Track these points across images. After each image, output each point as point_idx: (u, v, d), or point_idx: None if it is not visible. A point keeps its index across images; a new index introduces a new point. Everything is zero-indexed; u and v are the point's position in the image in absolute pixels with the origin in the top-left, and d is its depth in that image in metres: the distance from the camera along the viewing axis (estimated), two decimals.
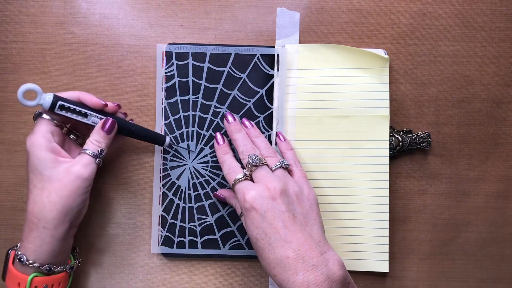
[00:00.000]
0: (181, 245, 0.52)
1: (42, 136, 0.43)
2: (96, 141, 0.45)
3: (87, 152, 0.44)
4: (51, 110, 0.44)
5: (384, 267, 0.52)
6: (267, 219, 0.41)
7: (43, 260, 0.42)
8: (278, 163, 0.46)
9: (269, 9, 0.54)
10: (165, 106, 0.52)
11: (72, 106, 0.44)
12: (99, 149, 0.45)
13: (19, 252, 0.42)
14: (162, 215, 0.52)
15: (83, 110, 0.45)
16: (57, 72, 0.53)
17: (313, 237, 0.41)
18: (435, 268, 0.54)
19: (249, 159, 0.45)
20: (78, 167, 0.43)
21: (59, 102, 0.44)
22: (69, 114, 0.44)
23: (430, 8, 0.54)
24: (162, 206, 0.52)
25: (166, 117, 0.52)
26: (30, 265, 0.42)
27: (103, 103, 0.46)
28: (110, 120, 0.45)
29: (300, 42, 0.53)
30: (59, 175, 0.42)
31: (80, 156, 0.44)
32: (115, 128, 0.46)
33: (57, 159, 0.43)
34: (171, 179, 0.52)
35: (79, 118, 0.45)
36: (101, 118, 0.46)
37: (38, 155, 0.42)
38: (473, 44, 0.54)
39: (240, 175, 0.45)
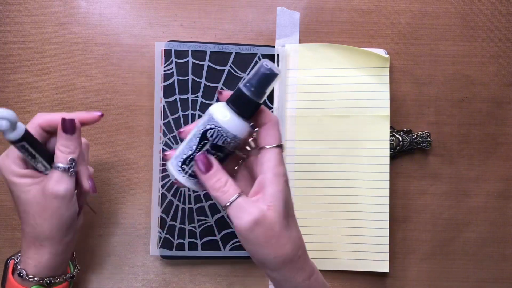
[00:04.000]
0: (180, 247, 0.52)
1: (13, 162, 0.41)
2: (62, 146, 0.41)
3: (56, 166, 0.40)
4: (15, 142, 0.39)
5: (384, 267, 0.52)
6: (292, 198, 0.39)
7: (43, 274, 0.42)
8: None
9: (269, 8, 0.54)
10: (163, 105, 0.52)
11: (27, 146, 0.39)
12: (69, 158, 0.41)
13: (19, 267, 0.42)
14: (161, 216, 0.52)
15: (33, 152, 0.40)
16: (56, 71, 0.53)
17: None
18: (435, 268, 0.54)
19: None
20: (51, 185, 0.40)
21: (22, 143, 0.39)
22: (25, 154, 0.40)
23: (430, 8, 0.54)
24: (161, 207, 0.52)
25: (165, 116, 0.52)
26: (30, 280, 0.42)
27: (91, 116, 0.43)
28: (67, 119, 0.41)
29: (300, 41, 0.53)
30: (35, 198, 0.40)
31: (51, 173, 0.41)
32: (76, 126, 0.41)
33: (30, 181, 0.41)
34: (170, 179, 0.52)
35: (29, 158, 0.40)
36: (45, 165, 0.41)
37: (11, 180, 0.41)
38: (473, 44, 0.54)
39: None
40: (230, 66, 0.52)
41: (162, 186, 0.52)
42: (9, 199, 0.53)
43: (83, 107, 0.52)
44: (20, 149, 0.39)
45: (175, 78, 0.52)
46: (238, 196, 0.36)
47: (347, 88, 0.52)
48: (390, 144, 0.53)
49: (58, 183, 0.40)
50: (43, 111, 0.52)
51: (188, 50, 0.52)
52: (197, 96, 0.52)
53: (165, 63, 0.52)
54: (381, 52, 0.53)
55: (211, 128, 0.36)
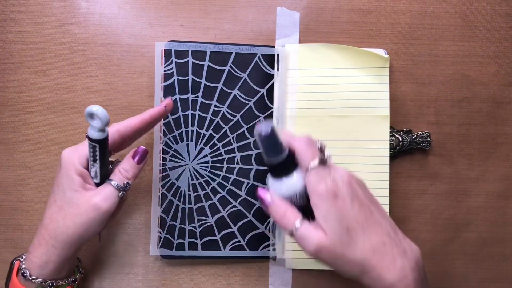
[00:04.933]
0: (180, 247, 0.52)
1: (78, 157, 0.42)
2: (124, 169, 0.43)
3: (112, 183, 0.42)
4: (92, 141, 0.40)
5: None
6: (355, 205, 0.36)
7: (46, 276, 0.42)
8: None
9: (269, 9, 0.54)
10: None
11: (97, 150, 0.41)
12: (125, 182, 0.43)
13: (23, 266, 0.42)
14: (161, 216, 0.52)
15: (97, 157, 0.42)
16: (57, 72, 0.53)
17: (387, 218, 0.38)
18: (435, 268, 0.54)
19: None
20: (98, 198, 0.41)
21: (96, 144, 0.40)
22: (90, 154, 0.42)
23: (430, 8, 0.54)
24: (161, 207, 0.52)
25: (165, 117, 0.52)
26: (33, 281, 0.42)
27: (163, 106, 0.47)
28: (142, 148, 0.44)
29: (300, 41, 0.53)
30: (79, 200, 0.41)
31: (103, 186, 0.42)
32: (146, 158, 0.45)
33: (83, 184, 0.42)
34: (170, 179, 0.52)
35: (90, 159, 0.42)
36: (97, 174, 0.43)
37: (68, 173, 0.42)
38: (473, 44, 0.54)
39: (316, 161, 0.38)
40: (230, 66, 0.52)
41: (162, 186, 0.52)
42: (9, 199, 0.53)
43: (83, 107, 0.52)
44: (90, 148, 0.41)
45: (175, 78, 0.52)
46: (300, 224, 0.36)
47: (347, 88, 0.53)
48: (390, 144, 0.53)
49: (106, 199, 0.42)
50: (43, 111, 0.52)
51: (188, 50, 0.52)
52: (197, 96, 0.52)
53: (165, 63, 0.52)
54: (381, 52, 0.53)
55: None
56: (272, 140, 0.37)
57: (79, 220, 0.41)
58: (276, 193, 0.39)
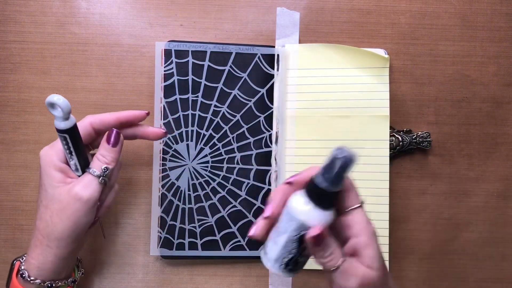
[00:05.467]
0: (180, 247, 0.52)
1: (55, 154, 0.42)
2: (101, 155, 0.43)
3: (90, 171, 0.42)
4: (59, 132, 0.40)
5: None
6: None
7: (45, 277, 0.42)
8: None
9: (269, 9, 0.54)
10: (163, 105, 0.52)
11: (68, 140, 0.41)
12: (104, 166, 0.42)
13: (22, 267, 0.42)
14: (161, 216, 0.52)
15: (71, 148, 0.41)
16: (57, 71, 0.53)
17: None
18: (435, 268, 0.54)
19: None
20: (78, 187, 0.41)
21: (64, 135, 0.40)
22: (64, 147, 0.41)
23: (430, 8, 0.54)
24: (161, 207, 0.52)
25: (165, 116, 0.52)
26: (32, 282, 0.41)
27: (144, 113, 0.46)
28: (114, 131, 0.44)
29: (300, 42, 0.53)
30: (60, 195, 0.41)
31: (83, 176, 0.42)
32: (120, 140, 0.44)
33: (64, 179, 0.42)
34: (170, 179, 0.52)
35: (66, 153, 0.42)
36: (78, 166, 0.42)
37: (46, 171, 0.42)
38: (473, 44, 0.54)
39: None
40: (230, 66, 0.52)
41: (162, 186, 0.52)
42: (9, 199, 0.53)
43: (83, 107, 0.53)
44: (62, 140, 0.40)
45: (175, 78, 0.52)
46: (343, 261, 0.36)
47: (347, 88, 0.53)
48: (390, 144, 0.53)
49: (86, 187, 0.41)
50: (43, 111, 0.52)
51: (188, 50, 0.52)
52: (197, 96, 0.52)
53: (165, 63, 0.52)
54: (381, 52, 0.53)
55: (305, 232, 0.35)
56: (348, 168, 0.34)
57: (65, 215, 0.41)
58: (310, 219, 0.35)
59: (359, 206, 0.37)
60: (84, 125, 0.44)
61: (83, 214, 0.41)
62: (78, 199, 0.41)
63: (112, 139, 0.43)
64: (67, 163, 0.43)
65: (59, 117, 0.38)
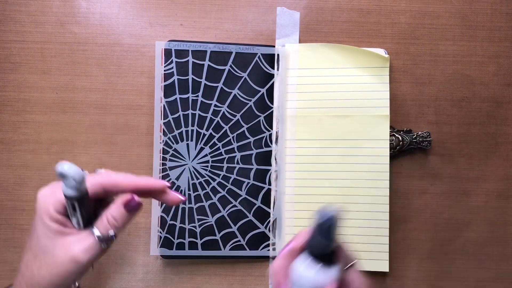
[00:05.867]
0: (180, 246, 0.52)
1: (54, 202, 0.37)
2: (113, 218, 0.38)
3: (95, 233, 0.37)
4: (68, 198, 0.36)
5: (384, 266, 0.52)
6: None
7: None
8: None
9: (269, 8, 0.54)
10: (163, 105, 0.52)
11: (76, 205, 0.36)
12: (111, 233, 0.37)
13: None
14: (161, 216, 0.52)
15: (76, 209, 0.36)
16: (57, 71, 0.53)
17: None
18: (435, 268, 0.54)
19: None
20: (78, 249, 0.36)
21: (73, 202, 0.36)
22: (68, 207, 0.37)
23: (430, 7, 0.54)
24: (161, 206, 0.52)
25: (165, 116, 0.52)
26: None
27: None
28: (136, 201, 0.38)
29: (300, 41, 0.53)
30: (55, 249, 0.36)
31: (85, 234, 0.37)
32: (138, 210, 0.39)
33: (61, 230, 0.37)
34: (170, 179, 0.52)
35: (69, 208, 0.37)
36: (80, 224, 0.38)
37: (43, 219, 0.37)
38: (473, 43, 0.54)
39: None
40: (230, 66, 0.52)
41: None
42: (9, 198, 0.53)
43: (84, 107, 0.53)
44: (68, 204, 0.36)
45: (175, 77, 0.52)
46: None
47: (347, 88, 0.53)
48: (390, 144, 0.53)
49: (86, 251, 0.37)
50: (43, 111, 0.52)
51: (188, 50, 0.52)
52: (197, 96, 0.52)
53: (165, 62, 0.52)
54: (381, 52, 0.53)
55: None
56: (336, 225, 0.34)
57: (55, 271, 0.37)
58: (322, 280, 0.35)
59: (353, 264, 0.37)
60: (94, 185, 0.38)
61: (75, 276, 0.38)
62: (75, 262, 0.37)
63: (132, 207, 0.38)
64: (67, 215, 0.38)
65: (72, 186, 0.34)
